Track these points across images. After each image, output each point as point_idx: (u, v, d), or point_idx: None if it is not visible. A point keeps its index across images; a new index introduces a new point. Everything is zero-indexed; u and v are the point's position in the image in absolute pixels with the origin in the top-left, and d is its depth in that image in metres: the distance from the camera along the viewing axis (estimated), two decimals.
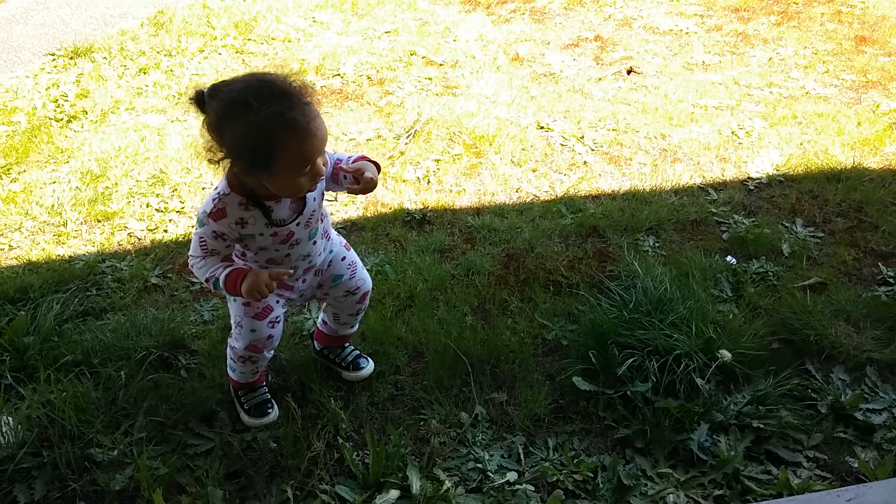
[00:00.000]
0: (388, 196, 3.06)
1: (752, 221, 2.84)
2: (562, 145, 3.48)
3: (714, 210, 2.93)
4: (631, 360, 2.03)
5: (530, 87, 4.13)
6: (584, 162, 3.34)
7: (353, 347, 2.15)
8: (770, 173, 3.19)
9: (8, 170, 3.23)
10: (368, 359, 2.13)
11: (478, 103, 3.88)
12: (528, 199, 3.07)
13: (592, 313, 2.24)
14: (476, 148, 3.44)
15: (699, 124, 3.65)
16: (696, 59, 4.50)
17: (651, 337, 2.08)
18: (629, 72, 4.31)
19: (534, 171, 3.28)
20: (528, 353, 2.20)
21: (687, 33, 4.94)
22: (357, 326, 2.12)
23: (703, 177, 3.21)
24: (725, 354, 2.02)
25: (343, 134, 3.57)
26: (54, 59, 4.49)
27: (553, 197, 3.08)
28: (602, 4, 5.50)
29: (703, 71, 4.32)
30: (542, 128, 3.64)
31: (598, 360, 2.07)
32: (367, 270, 2.53)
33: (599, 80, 4.22)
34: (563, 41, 4.82)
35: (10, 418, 1.87)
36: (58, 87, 4.06)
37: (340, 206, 3.00)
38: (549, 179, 3.21)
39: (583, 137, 3.53)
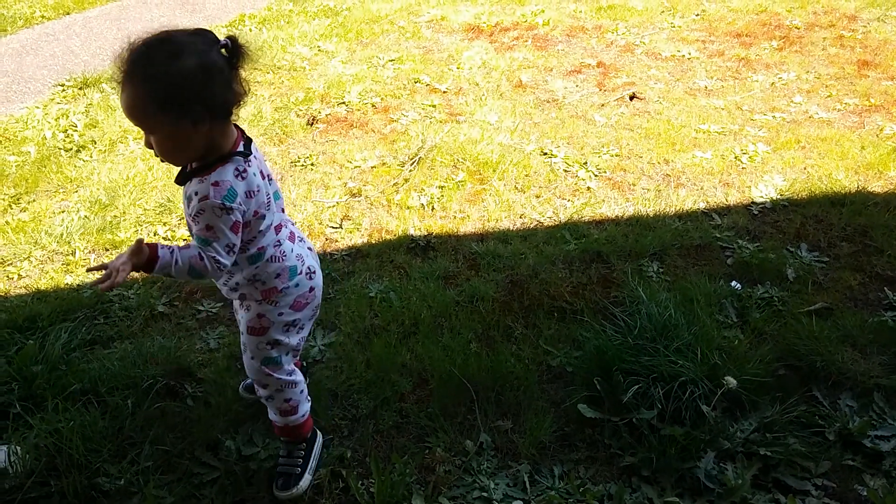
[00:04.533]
0: (393, 223, 3.09)
1: (757, 246, 2.84)
2: (565, 171, 3.51)
3: (718, 235, 2.94)
4: (636, 386, 2.03)
5: (533, 114, 4.17)
6: (588, 188, 3.36)
7: (283, 459, 1.91)
8: (774, 198, 3.20)
9: (18, 199, 3.27)
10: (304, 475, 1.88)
11: (481, 130, 3.92)
12: (531, 225, 3.09)
13: (597, 340, 2.24)
14: (480, 174, 3.46)
15: (702, 149, 3.67)
16: (699, 84, 4.54)
17: (656, 363, 2.08)
18: (632, 97, 4.35)
19: (537, 197, 3.30)
20: (533, 380, 2.19)
21: (689, 59, 4.99)
22: (271, 416, 1.89)
23: (707, 202, 3.22)
24: (731, 381, 2.01)
25: (348, 161, 3.61)
26: (64, 90, 4.56)
27: (557, 223, 3.10)
28: (604, 31, 5.57)
29: (705, 96, 4.36)
30: (545, 154, 3.66)
31: (603, 387, 2.06)
32: (372, 298, 2.57)
33: (602, 105, 4.26)
34: (566, 68, 4.87)
35: (18, 447, 1.88)
36: (67, 117, 4.12)
37: (346, 233, 3.02)
38: (552, 205, 3.23)
39: (586, 163, 3.55)
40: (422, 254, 2.89)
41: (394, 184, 3.39)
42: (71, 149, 3.76)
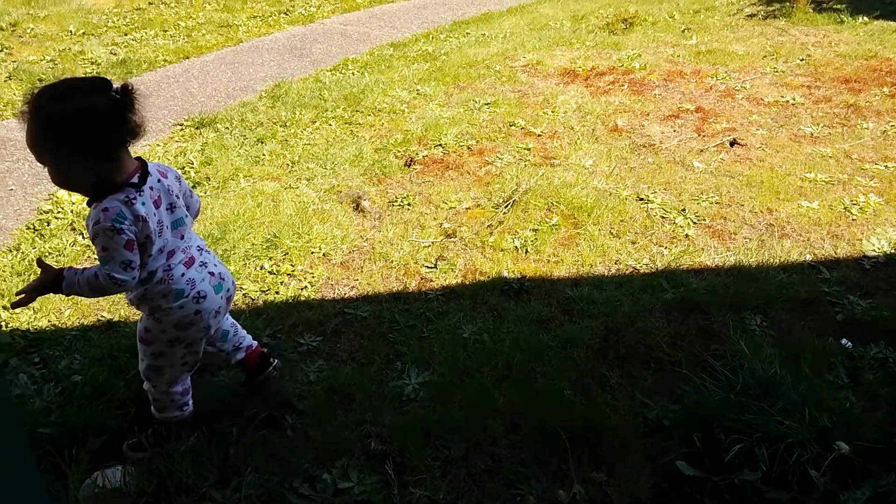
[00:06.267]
0: (487, 264, 3.12)
1: (870, 303, 2.70)
2: (662, 217, 3.46)
3: (826, 289, 2.80)
4: (739, 445, 1.95)
5: (629, 159, 4.15)
6: (686, 235, 3.30)
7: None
8: (888, 252, 3.04)
9: None
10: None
11: (576, 174, 3.92)
12: (627, 272, 3.05)
13: (697, 394, 2.18)
14: (574, 218, 3.46)
15: (808, 199, 3.54)
16: (804, 130, 4.39)
17: (760, 422, 1.99)
18: (732, 143, 4.25)
19: (633, 243, 3.26)
20: (629, 433, 2.15)
21: (793, 104, 4.84)
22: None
23: (814, 254, 3.09)
24: (843, 446, 1.91)
25: (443, 202, 3.69)
26: (182, 129, 4.91)
27: (653, 270, 3.05)
28: (703, 76, 5.49)
29: (811, 143, 4.21)
30: (641, 199, 3.63)
31: (703, 444, 2.00)
32: (465, 339, 2.60)
33: (701, 151, 4.19)
34: (663, 112, 4.82)
35: (132, 468, 2.00)
36: (185, 154, 4.43)
37: (440, 273, 3.08)
38: (648, 252, 3.18)
39: (684, 210, 3.49)
40: (515, 296, 2.90)
41: (488, 226, 3.44)
42: None
